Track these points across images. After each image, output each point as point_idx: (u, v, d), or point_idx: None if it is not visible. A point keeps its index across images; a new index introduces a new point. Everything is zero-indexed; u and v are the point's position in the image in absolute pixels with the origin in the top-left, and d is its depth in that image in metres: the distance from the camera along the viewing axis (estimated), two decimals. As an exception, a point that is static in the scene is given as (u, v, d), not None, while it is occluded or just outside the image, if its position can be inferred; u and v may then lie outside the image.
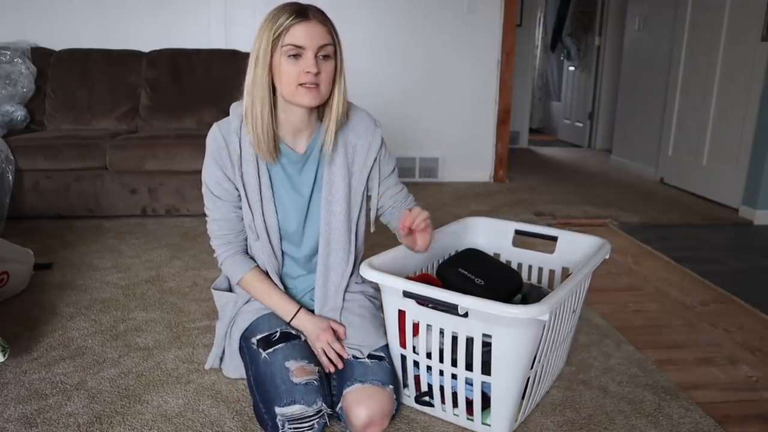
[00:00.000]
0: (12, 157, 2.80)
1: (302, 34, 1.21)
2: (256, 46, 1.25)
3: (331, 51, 1.25)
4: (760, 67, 3.14)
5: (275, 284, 1.41)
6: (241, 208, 1.39)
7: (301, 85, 1.23)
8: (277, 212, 1.39)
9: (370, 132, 1.42)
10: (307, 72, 1.22)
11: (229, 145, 1.34)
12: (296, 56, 1.23)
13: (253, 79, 1.27)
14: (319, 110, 1.35)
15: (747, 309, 2.02)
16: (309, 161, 1.39)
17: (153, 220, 2.98)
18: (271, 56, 1.24)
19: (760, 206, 3.14)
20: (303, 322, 1.37)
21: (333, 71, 1.27)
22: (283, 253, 1.43)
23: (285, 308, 1.39)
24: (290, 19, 1.21)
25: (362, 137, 1.41)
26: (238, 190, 1.37)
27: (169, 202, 2.99)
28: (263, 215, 1.37)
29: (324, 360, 1.32)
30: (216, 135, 1.35)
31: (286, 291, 1.44)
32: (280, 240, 1.41)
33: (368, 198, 1.48)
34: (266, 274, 1.42)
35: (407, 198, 1.53)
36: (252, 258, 1.43)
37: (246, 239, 1.43)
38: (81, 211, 2.96)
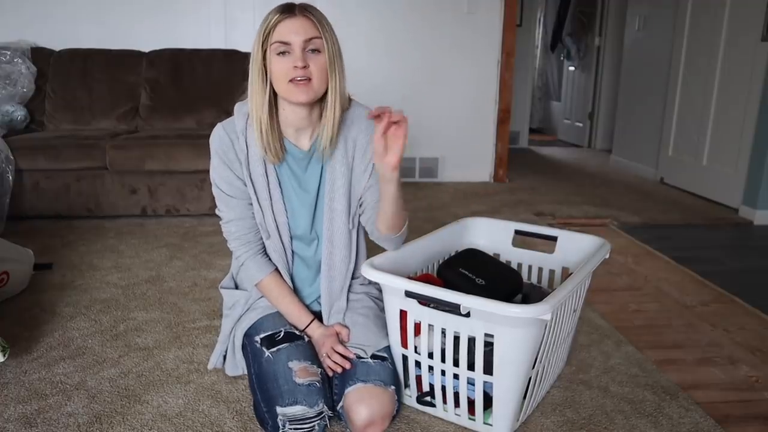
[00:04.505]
0: (12, 157, 2.80)
1: (287, 30, 1.23)
2: (252, 48, 1.27)
3: (320, 44, 1.25)
4: (760, 67, 3.14)
5: (291, 290, 1.42)
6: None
7: (291, 81, 1.24)
8: (286, 211, 1.39)
9: (372, 128, 1.41)
10: (295, 66, 1.23)
11: (235, 145, 1.34)
12: (284, 53, 1.24)
13: (251, 80, 1.29)
14: (321, 108, 1.35)
15: (747, 309, 2.02)
16: (314, 158, 1.39)
17: (153, 220, 2.97)
18: (264, 56, 1.26)
19: (760, 206, 3.14)
20: (313, 332, 1.39)
21: (324, 65, 1.26)
22: (293, 252, 1.43)
23: (299, 317, 1.40)
24: (276, 17, 1.24)
25: (363, 132, 1.41)
26: (247, 187, 1.37)
27: (169, 202, 2.99)
28: (273, 214, 1.38)
29: (329, 363, 1.32)
30: (221, 134, 1.35)
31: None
32: (291, 239, 1.42)
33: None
34: (282, 277, 1.42)
35: None
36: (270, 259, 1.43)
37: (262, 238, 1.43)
38: (81, 211, 2.96)
